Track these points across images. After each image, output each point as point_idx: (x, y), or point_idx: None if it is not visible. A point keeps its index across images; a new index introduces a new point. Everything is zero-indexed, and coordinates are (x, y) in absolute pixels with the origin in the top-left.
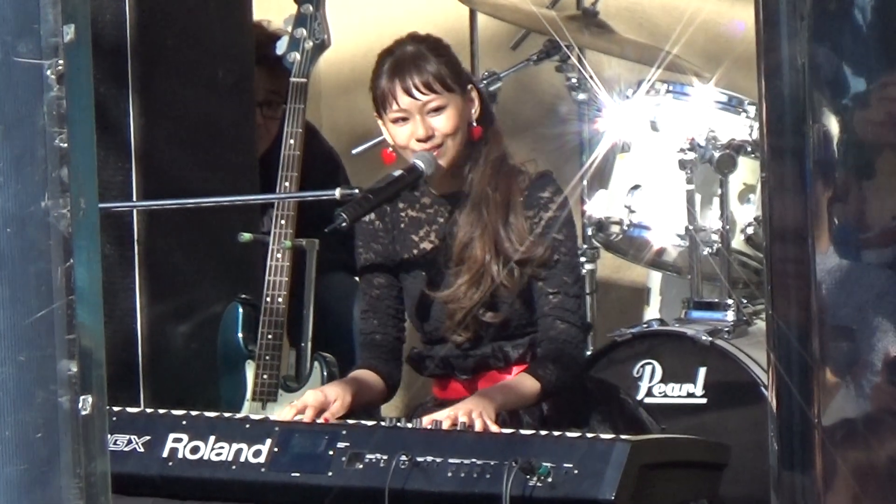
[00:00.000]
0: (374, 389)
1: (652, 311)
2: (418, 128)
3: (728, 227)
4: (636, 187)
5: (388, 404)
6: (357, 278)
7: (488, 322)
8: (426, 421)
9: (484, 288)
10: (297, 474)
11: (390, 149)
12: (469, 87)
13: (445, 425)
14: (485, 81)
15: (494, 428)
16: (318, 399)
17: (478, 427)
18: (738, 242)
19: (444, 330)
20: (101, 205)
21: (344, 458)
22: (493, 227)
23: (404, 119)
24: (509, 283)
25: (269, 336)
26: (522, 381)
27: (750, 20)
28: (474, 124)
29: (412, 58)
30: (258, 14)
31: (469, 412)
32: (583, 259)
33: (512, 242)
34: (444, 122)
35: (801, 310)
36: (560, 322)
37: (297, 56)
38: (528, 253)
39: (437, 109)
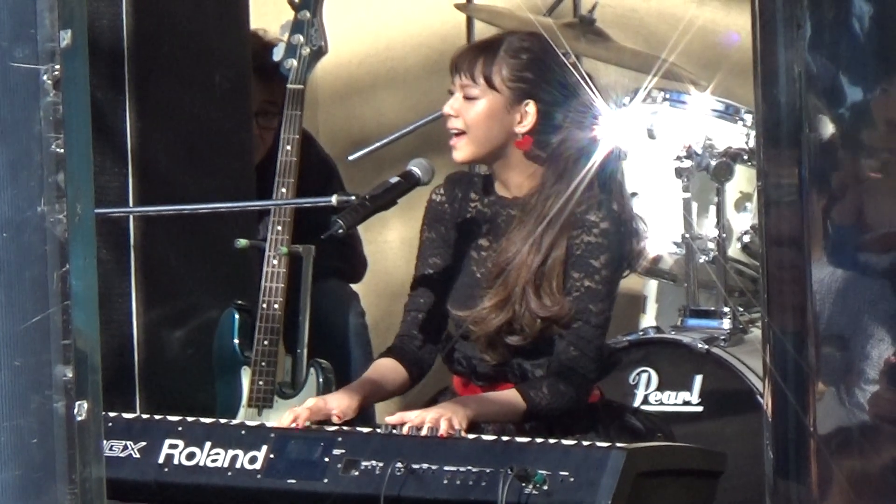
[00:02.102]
0: (390, 387)
1: (648, 319)
2: (451, 102)
3: (724, 235)
4: (633, 195)
5: (384, 410)
6: (352, 285)
7: (513, 345)
8: (392, 419)
9: (506, 315)
10: (293, 481)
11: None
12: (527, 101)
13: (405, 428)
14: None
15: (460, 431)
16: (316, 405)
17: (442, 429)
18: (734, 250)
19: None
20: (98, 210)
21: (340, 465)
22: (530, 273)
23: (452, 92)
24: (528, 325)
25: (265, 342)
26: (507, 398)
27: (747, 28)
28: (519, 136)
29: (486, 46)
30: (255, 20)
31: (437, 418)
32: None
33: (541, 299)
34: (470, 111)
35: (798, 318)
36: (573, 349)
37: (294, 62)
38: (553, 315)
39: (471, 98)
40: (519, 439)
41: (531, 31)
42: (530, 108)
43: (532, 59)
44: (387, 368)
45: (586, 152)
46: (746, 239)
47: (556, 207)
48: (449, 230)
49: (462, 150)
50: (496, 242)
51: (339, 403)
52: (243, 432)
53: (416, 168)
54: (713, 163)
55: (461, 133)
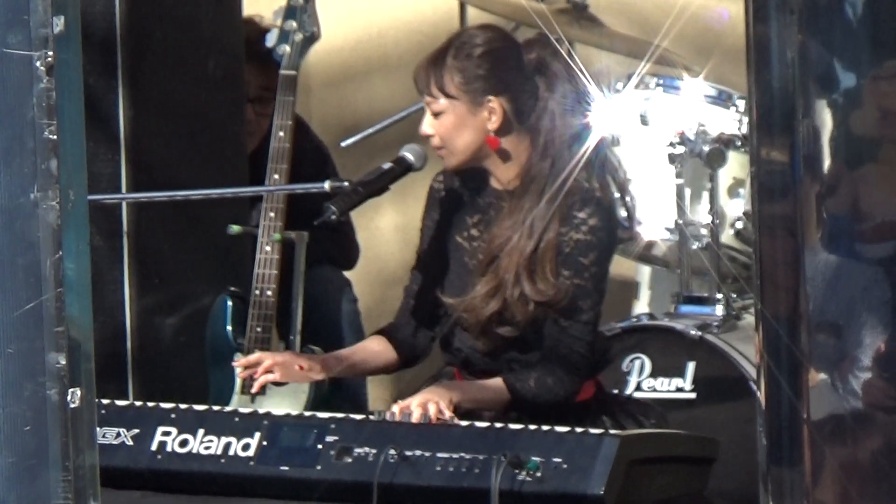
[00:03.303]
0: (373, 363)
1: (641, 306)
2: (425, 121)
3: (717, 221)
4: (626, 181)
5: (377, 397)
6: (344, 272)
7: (504, 336)
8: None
9: (497, 303)
10: (286, 468)
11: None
12: (488, 98)
13: (397, 413)
14: None
15: (448, 414)
16: (284, 358)
17: (431, 412)
18: (727, 237)
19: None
20: (91, 196)
21: (333, 452)
22: (523, 258)
23: (424, 109)
24: (520, 313)
25: (258, 329)
26: (493, 387)
27: (738, 12)
28: (491, 134)
29: (435, 57)
30: (248, 6)
31: (424, 402)
32: None
33: (534, 284)
34: (440, 127)
35: (791, 305)
36: (563, 346)
37: (287, 48)
38: (547, 299)
39: (437, 113)
40: (512, 426)
41: (480, 24)
42: (494, 104)
43: (481, 55)
44: (374, 345)
45: (570, 129)
46: (739, 225)
47: (545, 189)
48: (445, 217)
49: (448, 161)
50: (486, 233)
51: (311, 366)
52: (236, 419)
53: (408, 154)
54: (706, 149)
55: (441, 147)
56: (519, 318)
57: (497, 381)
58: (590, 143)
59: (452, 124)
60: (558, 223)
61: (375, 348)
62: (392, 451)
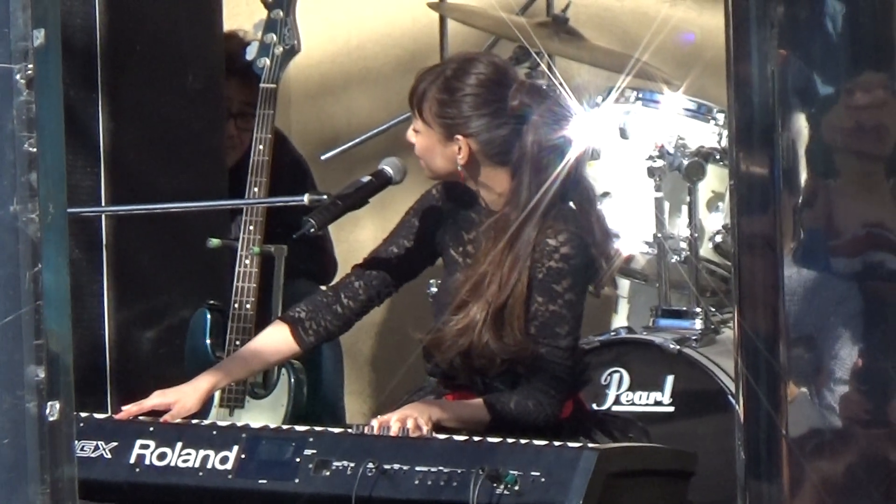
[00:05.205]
0: (258, 362)
1: (620, 319)
2: (409, 130)
3: (696, 234)
4: (605, 195)
5: (355, 410)
6: (322, 286)
7: (477, 367)
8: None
9: (467, 341)
10: (265, 481)
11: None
12: (457, 137)
13: (375, 427)
14: None
15: (426, 430)
16: (151, 402)
17: (410, 427)
18: (706, 250)
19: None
20: (70, 209)
21: (311, 465)
22: (490, 310)
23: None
24: (486, 360)
25: (237, 342)
26: (473, 407)
27: (718, 25)
28: (459, 168)
29: (431, 76)
30: (228, 20)
31: (403, 418)
32: None
33: (500, 339)
34: (418, 143)
35: (769, 318)
36: (543, 372)
37: (267, 62)
38: (514, 355)
39: (416, 130)
40: (490, 440)
41: (486, 56)
42: (462, 143)
43: (464, 95)
44: (268, 340)
45: (551, 172)
46: (718, 239)
47: (521, 236)
48: (433, 227)
49: (427, 173)
50: (478, 252)
51: (177, 399)
52: (214, 433)
53: (387, 167)
54: (685, 162)
55: (421, 158)
56: (485, 360)
57: (478, 402)
58: (570, 157)
59: (426, 147)
60: (530, 266)
61: (262, 349)
62: (370, 465)
